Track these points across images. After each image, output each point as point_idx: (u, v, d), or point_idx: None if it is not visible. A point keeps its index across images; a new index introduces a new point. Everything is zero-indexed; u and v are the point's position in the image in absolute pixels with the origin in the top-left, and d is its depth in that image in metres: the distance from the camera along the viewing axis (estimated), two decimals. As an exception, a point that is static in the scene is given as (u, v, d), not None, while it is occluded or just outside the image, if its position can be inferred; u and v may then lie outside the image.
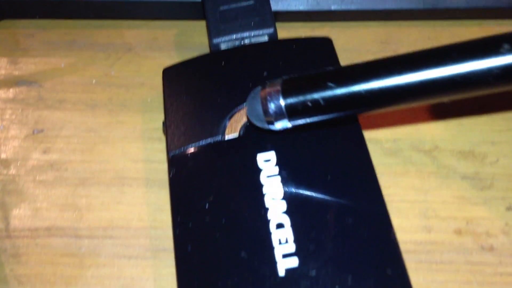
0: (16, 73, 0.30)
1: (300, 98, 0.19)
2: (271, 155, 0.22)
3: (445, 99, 0.18)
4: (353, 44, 0.30)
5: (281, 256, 0.19)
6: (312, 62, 0.24)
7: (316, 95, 0.19)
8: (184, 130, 0.23)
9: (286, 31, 0.30)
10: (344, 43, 0.30)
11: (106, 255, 0.23)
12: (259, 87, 0.20)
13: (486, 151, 0.26)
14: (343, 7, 0.30)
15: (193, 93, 0.24)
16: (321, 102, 0.19)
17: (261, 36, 0.26)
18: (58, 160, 0.26)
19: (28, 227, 0.24)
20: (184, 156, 0.22)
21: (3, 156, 0.26)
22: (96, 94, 0.29)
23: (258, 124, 0.21)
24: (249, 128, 0.23)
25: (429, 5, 0.30)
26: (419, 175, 0.25)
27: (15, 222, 0.24)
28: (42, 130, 0.27)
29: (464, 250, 0.23)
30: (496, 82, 0.17)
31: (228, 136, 0.22)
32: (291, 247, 0.20)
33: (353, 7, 0.30)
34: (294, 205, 0.20)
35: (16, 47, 0.31)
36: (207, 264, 0.20)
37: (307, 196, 0.21)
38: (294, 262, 0.19)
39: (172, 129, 0.23)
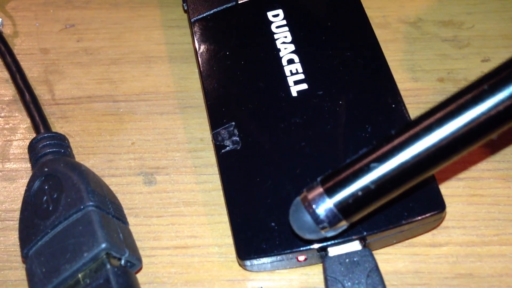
0: (44, -17, 0.33)
1: (347, 192, 0.17)
2: (279, 11, 0.25)
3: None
4: None
5: (293, 83, 0.23)
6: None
7: (363, 182, 0.17)
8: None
9: None
10: None
11: (141, 112, 0.27)
12: (298, 199, 0.18)
13: (463, 19, 0.30)
14: None
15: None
16: (372, 187, 0.17)
17: None
18: (91, 46, 0.30)
19: (71, 96, 0.28)
20: (205, 20, 0.26)
21: (42, 46, 0.30)
22: (118, -5, 0.32)
23: (313, 236, 0.19)
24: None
25: None
26: (406, 41, 0.29)
27: (59, 93, 0.28)
28: (73, 25, 0.31)
29: (446, 92, 0.27)
30: None
31: (241, 1, 0.26)
32: (301, 76, 0.24)
33: None
34: (302, 46, 0.24)
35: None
36: (232, 95, 0.24)
37: (311, 38, 0.24)
38: (304, 86, 0.23)
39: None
